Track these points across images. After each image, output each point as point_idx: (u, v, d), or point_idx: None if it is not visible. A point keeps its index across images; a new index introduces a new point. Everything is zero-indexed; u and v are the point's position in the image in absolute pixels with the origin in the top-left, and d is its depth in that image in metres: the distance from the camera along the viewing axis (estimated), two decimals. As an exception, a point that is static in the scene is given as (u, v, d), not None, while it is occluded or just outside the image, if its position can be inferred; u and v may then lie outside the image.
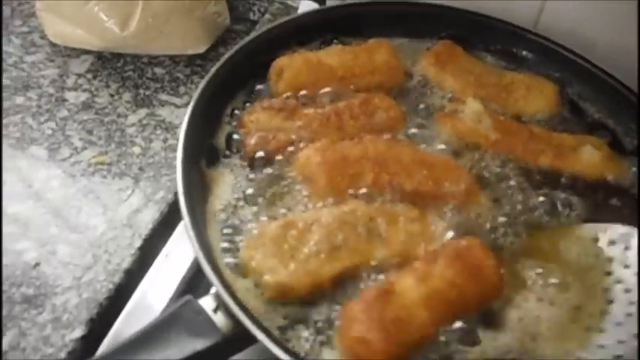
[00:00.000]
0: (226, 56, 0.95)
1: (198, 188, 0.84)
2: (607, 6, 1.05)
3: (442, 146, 0.94)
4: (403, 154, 0.88)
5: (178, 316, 0.72)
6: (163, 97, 1.15)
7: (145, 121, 1.11)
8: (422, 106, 1.00)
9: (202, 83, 0.90)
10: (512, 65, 1.09)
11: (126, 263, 0.92)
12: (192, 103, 0.88)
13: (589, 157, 0.94)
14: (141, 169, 1.04)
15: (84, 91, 1.14)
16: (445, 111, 0.98)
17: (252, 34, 1.00)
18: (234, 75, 0.96)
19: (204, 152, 0.89)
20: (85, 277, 0.90)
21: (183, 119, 0.87)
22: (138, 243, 0.94)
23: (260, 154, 0.89)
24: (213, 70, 0.92)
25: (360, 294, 0.76)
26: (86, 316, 0.86)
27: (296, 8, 1.27)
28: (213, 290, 0.73)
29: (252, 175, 0.88)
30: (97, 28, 1.12)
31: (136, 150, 1.07)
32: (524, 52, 1.10)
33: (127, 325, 0.86)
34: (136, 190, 1.01)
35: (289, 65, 0.97)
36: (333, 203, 0.84)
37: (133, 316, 0.87)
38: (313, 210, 0.84)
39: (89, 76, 1.17)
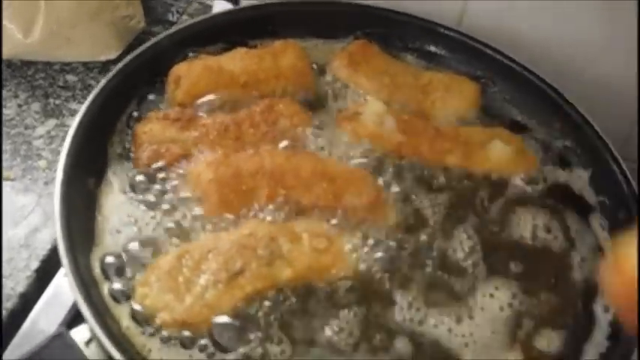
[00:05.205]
0: (119, 67, 0.89)
1: (82, 209, 0.80)
2: (530, 4, 1.01)
3: (354, 153, 0.89)
4: (303, 166, 0.83)
5: (47, 352, 0.67)
6: (74, 106, 1.09)
7: (53, 133, 1.06)
8: (333, 111, 0.95)
9: (89, 98, 0.85)
10: (433, 65, 1.04)
11: (21, 287, 0.88)
12: (77, 119, 0.83)
13: (498, 154, 0.90)
14: (46, 183, 0.99)
15: (-10, 102, 1.09)
16: (345, 113, 0.93)
17: (149, 42, 0.94)
18: (128, 86, 0.91)
19: (92, 169, 0.84)
20: (-24, 303, 0.85)
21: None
22: (34, 265, 0.90)
23: (153, 168, 0.84)
24: (102, 82, 0.86)
25: None
26: (-27, 348, 0.82)
27: (217, 8, 1.22)
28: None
29: (144, 192, 0.83)
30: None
31: (42, 164, 1.02)
32: (444, 51, 1.05)
33: (16, 354, 0.81)
34: (37, 208, 0.96)
35: (187, 73, 0.91)
36: (230, 222, 0.80)
37: (24, 344, 0.82)
38: (211, 234, 0.79)
39: (-3, 85, 1.12)
